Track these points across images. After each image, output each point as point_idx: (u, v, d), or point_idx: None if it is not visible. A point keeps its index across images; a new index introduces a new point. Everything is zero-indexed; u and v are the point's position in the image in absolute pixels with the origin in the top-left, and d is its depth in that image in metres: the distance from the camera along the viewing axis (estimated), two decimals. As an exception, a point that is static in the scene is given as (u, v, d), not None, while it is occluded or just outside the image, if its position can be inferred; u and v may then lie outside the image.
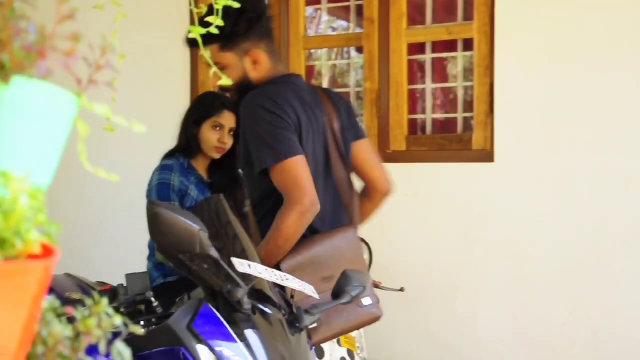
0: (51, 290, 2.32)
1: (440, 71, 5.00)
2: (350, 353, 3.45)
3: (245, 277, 2.25)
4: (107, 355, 2.45)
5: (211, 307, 2.23)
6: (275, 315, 2.34)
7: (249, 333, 2.23)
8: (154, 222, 2.19)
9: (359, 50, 5.07)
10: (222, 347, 2.18)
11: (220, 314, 2.22)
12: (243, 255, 2.39)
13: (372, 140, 4.75)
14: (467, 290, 4.48)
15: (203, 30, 1.60)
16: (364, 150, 3.17)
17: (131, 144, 4.68)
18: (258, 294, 2.36)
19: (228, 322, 2.22)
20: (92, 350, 1.09)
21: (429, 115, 4.82)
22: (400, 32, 4.70)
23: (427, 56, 4.83)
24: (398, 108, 4.71)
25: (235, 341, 2.20)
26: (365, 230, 4.34)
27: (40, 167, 0.92)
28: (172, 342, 2.19)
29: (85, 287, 2.62)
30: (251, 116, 2.79)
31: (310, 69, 5.15)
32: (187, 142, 3.85)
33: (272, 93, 2.84)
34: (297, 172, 2.70)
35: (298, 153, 2.74)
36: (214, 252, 2.17)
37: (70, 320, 0.93)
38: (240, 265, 2.22)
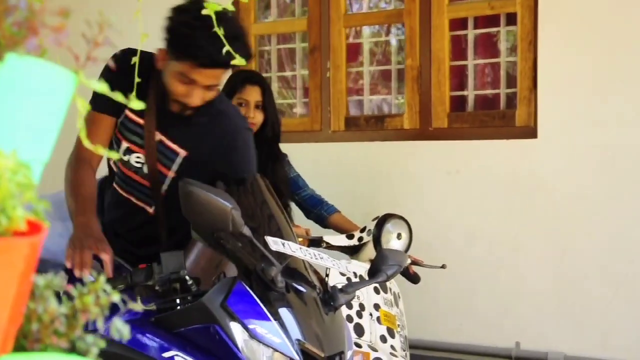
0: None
1: (482, 47, 4.94)
2: (390, 331, 3.44)
3: (280, 255, 2.24)
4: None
5: (245, 285, 2.23)
6: (310, 293, 2.32)
7: (283, 312, 2.22)
8: (187, 200, 2.19)
9: (400, 27, 5.02)
10: (256, 325, 2.18)
11: (255, 293, 2.22)
12: (278, 234, 2.37)
13: (414, 118, 4.72)
14: (511, 267, 4.43)
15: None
16: None
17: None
18: (293, 272, 2.34)
19: (262, 301, 2.21)
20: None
21: (471, 91, 4.76)
22: (442, 7, 4.64)
23: (470, 32, 4.76)
24: (440, 85, 4.66)
25: (269, 319, 2.19)
26: (407, 208, 4.33)
27: (36, 144, 0.92)
28: (207, 319, 2.19)
29: (118, 265, 2.63)
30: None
31: (350, 47, 5.11)
32: None
33: None
34: None
35: None
36: (247, 231, 2.16)
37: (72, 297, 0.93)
38: (275, 243, 2.21)
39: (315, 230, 3.93)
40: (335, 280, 3.44)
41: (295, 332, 2.20)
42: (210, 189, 2.22)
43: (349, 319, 3.38)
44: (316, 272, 2.50)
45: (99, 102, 2.53)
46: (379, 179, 4.78)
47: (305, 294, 2.31)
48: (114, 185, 2.80)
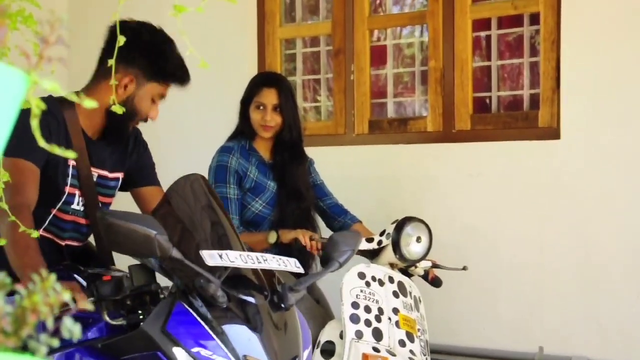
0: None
1: (506, 47, 4.89)
2: (409, 335, 3.41)
3: (220, 268, 2.18)
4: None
5: (185, 305, 2.17)
6: (258, 301, 2.24)
7: (227, 328, 2.16)
8: (109, 232, 2.12)
9: (423, 28, 5.00)
10: (199, 348, 2.12)
11: (195, 312, 2.16)
12: (223, 240, 2.31)
13: (437, 120, 4.69)
14: (534, 270, 4.38)
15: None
16: None
17: (205, 129, 4.74)
18: (238, 280, 2.27)
19: (204, 319, 2.15)
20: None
21: (495, 93, 4.72)
22: (465, 8, 4.61)
23: (493, 32, 4.72)
24: (463, 86, 4.63)
25: (213, 339, 2.13)
26: (430, 211, 4.30)
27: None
28: (149, 346, 2.14)
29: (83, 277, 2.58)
30: None
31: (374, 50, 5.09)
32: (242, 125, 3.87)
33: None
34: None
35: None
36: (176, 254, 2.10)
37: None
38: (211, 258, 2.14)
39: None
40: (352, 284, 3.42)
41: (242, 348, 2.14)
42: (131, 216, 2.15)
43: (368, 323, 3.36)
44: (267, 273, 2.39)
45: (25, 150, 2.45)
46: (402, 182, 4.76)
47: (252, 304, 2.23)
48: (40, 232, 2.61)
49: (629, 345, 4.15)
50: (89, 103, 0.97)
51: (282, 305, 2.26)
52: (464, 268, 3.81)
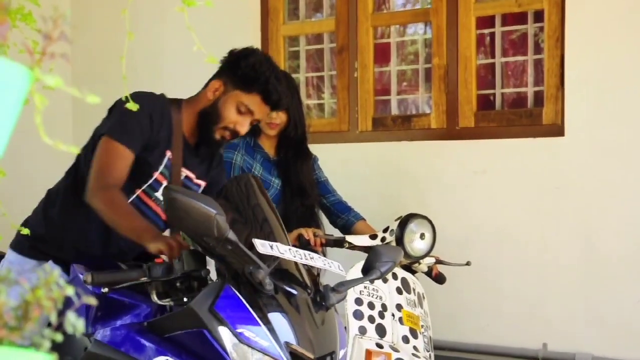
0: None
1: (509, 45, 4.89)
2: (413, 332, 3.42)
3: (269, 258, 2.23)
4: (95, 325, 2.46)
5: (233, 289, 2.23)
6: (300, 295, 2.31)
7: (272, 315, 2.21)
8: (172, 207, 2.20)
9: (427, 25, 5.00)
10: (244, 329, 2.18)
11: (243, 296, 2.22)
12: (271, 237, 2.37)
13: (440, 118, 4.69)
14: (538, 267, 4.38)
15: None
16: None
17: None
18: (283, 273, 2.33)
19: (251, 304, 2.21)
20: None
21: (499, 90, 4.72)
22: (469, 5, 4.61)
23: (497, 30, 4.72)
24: (467, 84, 4.63)
25: (258, 323, 2.19)
26: (434, 208, 4.31)
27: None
28: (196, 324, 2.20)
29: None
30: None
31: (378, 47, 5.09)
32: None
33: None
34: None
35: None
36: (232, 235, 2.16)
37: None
38: (262, 246, 2.20)
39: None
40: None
41: (284, 335, 2.20)
42: (194, 194, 2.23)
43: (371, 319, 3.36)
44: (309, 272, 2.49)
45: (124, 135, 2.72)
46: (405, 179, 4.76)
47: (295, 296, 2.30)
48: None
49: (633, 342, 4.15)
50: (92, 98, 0.97)
51: (323, 304, 2.32)
52: (468, 263, 3.81)
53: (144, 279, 2.32)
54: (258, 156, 3.83)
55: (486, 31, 4.76)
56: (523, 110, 4.57)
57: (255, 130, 3.85)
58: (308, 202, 3.88)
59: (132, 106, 1.86)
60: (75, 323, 0.94)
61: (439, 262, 3.83)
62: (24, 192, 4.04)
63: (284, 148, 3.88)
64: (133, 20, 1.83)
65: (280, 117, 3.79)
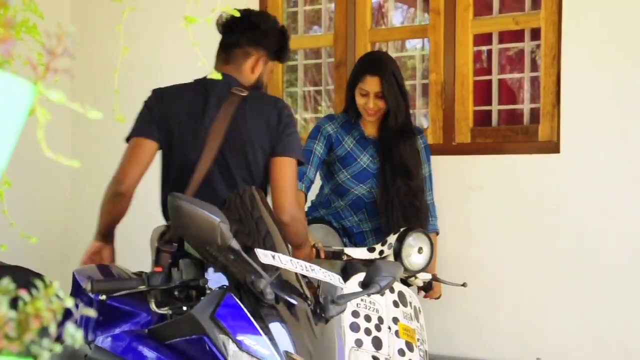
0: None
1: (506, 61, 4.92)
2: (409, 345, 3.43)
3: (270, 268, 2.26)
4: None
5: (235, 297, 2.25)
6: (301, 306, 2.33)
7: (272, 324, 2.24)
8: (176, 214, 2.23)
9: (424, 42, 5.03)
10: (244, 337, 2.20)
11: (244, 305, 2.24)
12: (273, 249, 2.39)
13: (437, 133, 4.71)
14: (533, 282, 4.39)
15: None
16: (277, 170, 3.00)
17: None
18: (284, 284, 2.36)
19: (251, 313, 2.23)
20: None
21: (495, 106, 4.74)
22: (467, 22, 4.64)
23: (494, 47, 4.75)
24: (463, 100, 4.65)
25: (258, 332, 2.21)
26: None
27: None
28: (197, 331, 2.22)
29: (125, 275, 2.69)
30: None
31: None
32: (348, 106, 4.02)
33: None
34: None
35: None
36: (235, 244, 2.19)
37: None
38: (264, 256, 2.23)
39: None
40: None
41: (284, 345, 2.22)
42: (198, 202, 2.25)
43: (367, 331, 3.38)
44: (309, 284, 2.52)
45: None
46: (402, 194, 4.77)
47: (296, 307, 2.32)
48: None
49: (628, 358, 4.16)
50: (94, 114, 0.99)
51: (323, 315, 2.34)
52: (464, 285, 3.82)
53: (142, 288, 2.35)
54: (355, 133, 3.97)
55: (483, 48, 4.79)
56: (519, 127, 4.59)
57: (357, 113, 3.96)
58: (413, 184, 3.89)
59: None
60: (75, 334, 0.95)
61: (435, 279, 3.84)
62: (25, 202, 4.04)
63: (384, 133, 3.95)
64: (131, 35, 1.85)
65: (377, 105, 3.87)
